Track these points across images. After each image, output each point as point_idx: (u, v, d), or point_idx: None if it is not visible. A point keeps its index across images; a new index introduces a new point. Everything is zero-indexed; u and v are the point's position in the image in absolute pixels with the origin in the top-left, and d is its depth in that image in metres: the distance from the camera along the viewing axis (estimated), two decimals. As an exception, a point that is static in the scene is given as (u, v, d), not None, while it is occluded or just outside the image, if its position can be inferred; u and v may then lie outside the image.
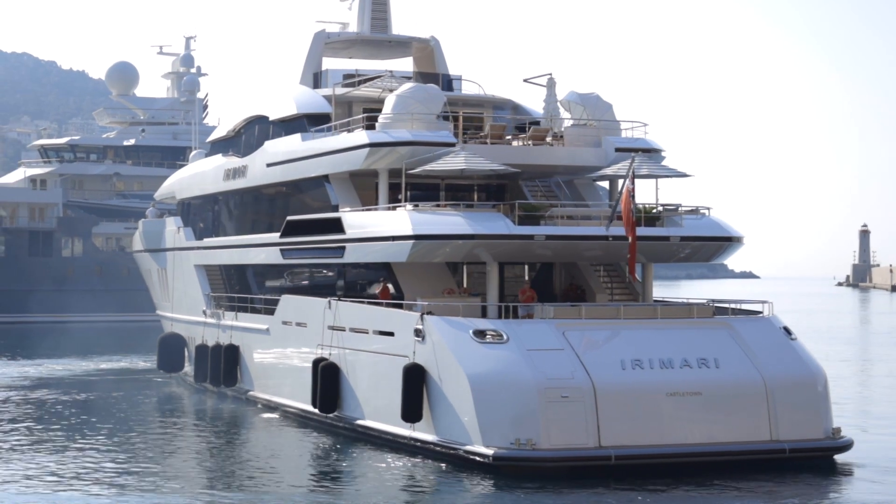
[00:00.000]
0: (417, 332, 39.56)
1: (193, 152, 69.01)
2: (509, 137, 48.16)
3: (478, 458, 36.49)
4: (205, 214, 63.00)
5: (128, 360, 76.84)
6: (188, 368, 62.42)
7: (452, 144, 43.97)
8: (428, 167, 43.10)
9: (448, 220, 41.17)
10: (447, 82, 55.24)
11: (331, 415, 45.00)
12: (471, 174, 44.50)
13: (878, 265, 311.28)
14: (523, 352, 37.24)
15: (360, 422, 43.15)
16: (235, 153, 57.95)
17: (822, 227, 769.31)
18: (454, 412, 37.77)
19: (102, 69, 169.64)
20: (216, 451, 42.82)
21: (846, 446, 38.91)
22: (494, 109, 52.67)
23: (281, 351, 50.97)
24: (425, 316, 39.58)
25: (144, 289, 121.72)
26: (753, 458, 37.57)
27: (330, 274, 49.31)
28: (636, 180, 41.71)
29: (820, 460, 38.43)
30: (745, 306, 43.70)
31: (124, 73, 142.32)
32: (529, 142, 47.24)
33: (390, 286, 44.05)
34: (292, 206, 51.71)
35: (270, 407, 51.26)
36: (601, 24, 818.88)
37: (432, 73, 55.78)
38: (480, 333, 38.02)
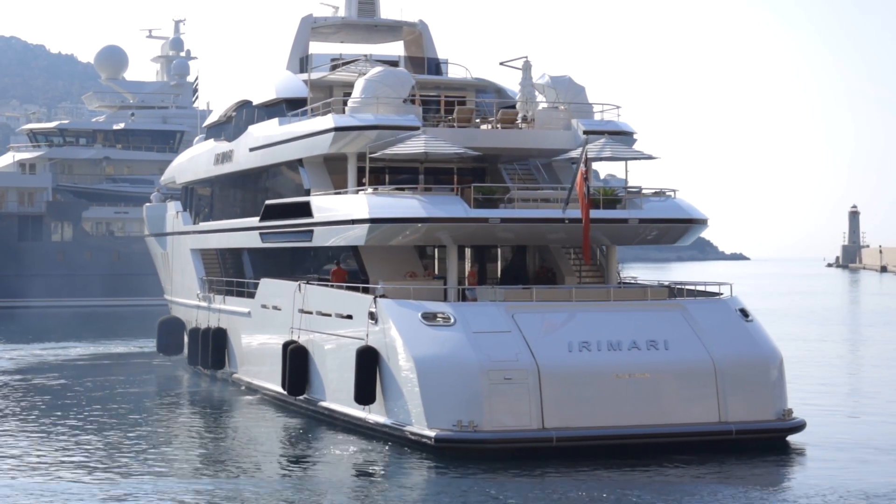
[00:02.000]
0: (371, 315, 39.85)
1: (197, 137, 69.53)
2: (478, 121, 48.31)
3: (422, 440, 36.81)
4: (199, 198, 63.61)
5: (122, 344, 77.33)
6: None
7: (417, 128, 44.07)
8: (389, 151, 43.29)
9: (403, 204, 41.33)
10: (435, 66, 55.31)
11: (300, 398, 45.39)
12: (435, 157, 44.62)
13: (867, 246, 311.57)
14: (469, 334, 37.34)
15: (323, 404, 43.50)
16: (226, 137, 58.43)
17: (813, 208, 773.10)
18: (402, 394, 38.04)
19: (91, 53, 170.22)
20: (184, 434, 42.97)
21: (797, 427, 38.82)
22: (477, 93, 52.68)
23: (259, 334, 51.44)
24: (378, 299, 39.85)
25: (134, 273, 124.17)
26: (700, 439, 37.54)
27: (305, 258, 49.71)
28: (604, 162, 41.73)
29: (771, 442, 38.41)
30: (709, 288, 43.66)
31: (113, 57, 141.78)
32: (498, 125, 47.34)
33: (343, 268, 44.54)
34: (271, 190, 52.18)
35: (252, 390, 51.76)
36: (590, 9, 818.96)
37: (419, 58, 55.92)
38: (428, 316, 38.18)
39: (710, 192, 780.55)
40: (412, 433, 37.25)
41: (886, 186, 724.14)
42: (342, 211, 43.17)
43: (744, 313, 40.71)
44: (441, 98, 49.09)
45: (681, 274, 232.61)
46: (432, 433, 36.30)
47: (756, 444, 38.00)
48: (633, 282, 47.84)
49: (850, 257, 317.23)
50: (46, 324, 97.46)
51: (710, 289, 43.17)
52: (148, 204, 73.12)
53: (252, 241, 52.52)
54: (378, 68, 47.17)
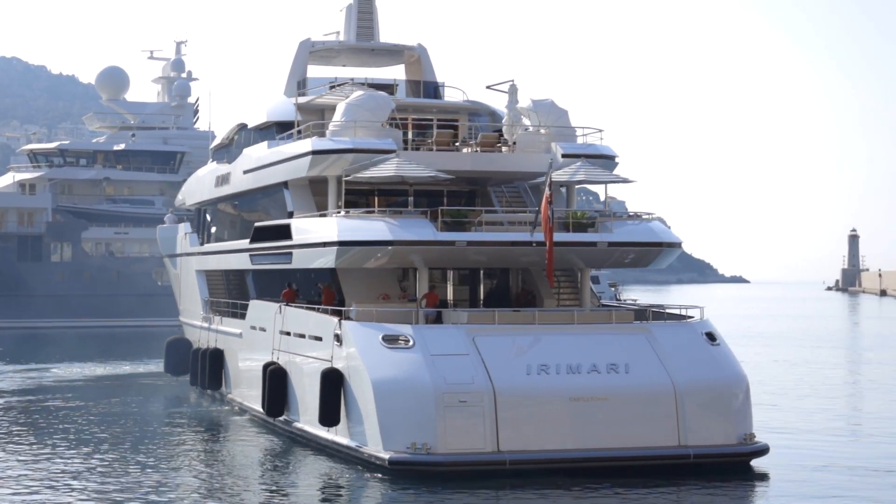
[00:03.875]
0: (336, 337, 40.19)
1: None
2: (458, 144, 48.60)
3: (377, 462, 37.08)
4: (205, 220, 64.29)
5: (127, 364, 77.33)
6: None
7: (392, 151, 44.39)
8: (363, 174, 43.62)
9: (372, 227, 41.61)
10: (433, 89, 55.65)
11: (279, 419, 45.74)
12: (414, 181, 44.84)
13: (867, 270, 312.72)
14: (427, 357, 37.58)
15: (297, 425, 43.83)
16: (227, 160, 59.05)
17: (814, 232, 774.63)
18: (362, 416, 38.33)
19: (92, 74, 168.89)
20: (160, 455, 43.07)
21: (759, 452, 38.79)
22: (471, 116, 52.99)
23: (249, 355, 51.89)
24: (342, 321, 40.18)
25: (134, 294, 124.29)
26: (657, 463, 37.61)
27: (295, 280, 50.14)
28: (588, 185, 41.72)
29: (733, 465, 38.39)
30: (686, 311, 43.71)
31: (114, 78, 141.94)
32: (478, 148, 47.60)
33: (293, 289, 45.30)
34: (262, 212, 52.69)
35: (243, 410, 52.20)
36: (591, 33, 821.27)
37: (416, 81, 56.34)
38: (388, 339, 38.45)
39: (712, 215, 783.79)
40: (369, 455, 37.55)
41: (887, 211, 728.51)
42: (315, 234, 43.56)
43: (710, 337, 40.72)
44: (434, 121, 49.42)
45: (678, 297, 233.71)
46: (387, 455, 36.58)
47: (717, 468, 37.98)
48: (620, 304, 47.99)
49: (850, 281, 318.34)
50: (45, 345, 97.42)
51: (692, 311, 43.24)
52: (161, 225, 73.92)
53: (243, 262, 53.05)
54: (359, 93, 47.53)
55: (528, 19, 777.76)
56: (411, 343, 38.10)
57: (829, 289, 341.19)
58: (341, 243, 41.31)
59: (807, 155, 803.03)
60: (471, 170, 46.67)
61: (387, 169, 43.26)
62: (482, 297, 47.72)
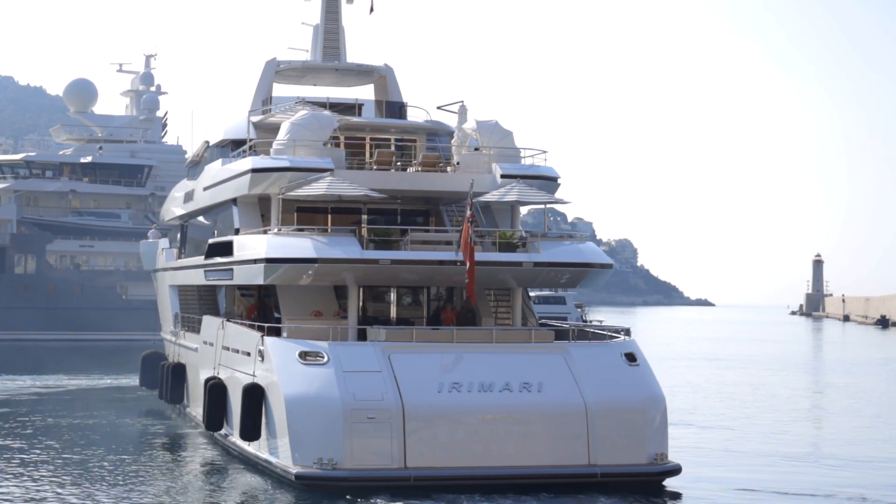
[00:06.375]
0: (260, 353, 40.86)
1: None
2: (399, 163, 49.20)
3: (286, 477, 37.74)
4: (180, 235, 65.14)
5: (104, 378, 77.70)
6: None
7: (328, 170, 45.01)
8: (297, 192, 44.28)
9: (299, 244, 42.14)
10: (398, 109, 56.24)
11: (219, 433, 46.41)
12: (348, 199, 45.44)
13: (830, 295, 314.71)
14: (339, 373, 38.16)
15: (231, 439, 44.50)
16: (195, 176, 59.87)
17: (779, 257, 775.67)
18: (276, 431, 38.99)
19: (60, 85, 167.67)
20: (99, 468, 43.35)
21: (670, 472, 39.19)
22: (430, 136, 53.54)
23: (201, 369, 52.59)
24: (264, 337, 40.84)
25: (98, 307, 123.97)
26: (564, 481, 37.98)
27: (241, 294, 50.91)
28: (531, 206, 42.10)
29: (644, 485, 38.76)
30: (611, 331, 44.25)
31: (83, 90, 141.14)
32: (419, 168, 48.22)
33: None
34: (218, 229, 53.40)
35: (197, 424, 52.90)
36: (557, 57, 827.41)
37: (380, 101, 56.96)
38: (304, 355, 39.06)
39: (678, 238, 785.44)
40: (281, 469, 38.20)
41: (850, 236, 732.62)
42: (250, 251, 44.24)
43: (630, 357, 41.08)
44: (367, 140, 50.05)
45: (642, 318, 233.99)
46: (294, 470, 37.19)
47: (628, 488, 38.40)
48: (560, 324, 48.27)
49: (814, 306, 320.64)
50: (7, 357, 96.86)
51: (632, 331, 43.82)
52: (144, 240, 74.75)
53: (200, 278, 53.78)
54: (303, 112, 48.21)
55: (499, 40, 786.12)
56: (325, 359, 38.67)
57: (794, 313, 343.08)
58: (268, 260, 41.98)
59: (772, 179, 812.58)
60: (409, 189, 47.30)
61: (319, 187, 43.89)
62: (425, 315, 48.32)
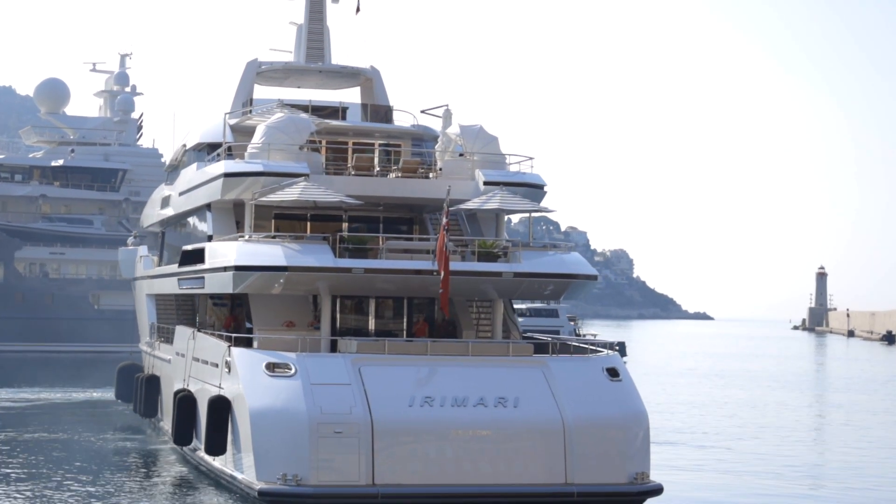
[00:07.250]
0: (226, 364, 39.22)
1: None
2: (379, 169, 47.57)
3: (250, 493, 36.14)
4: (158, 242, 63.57)
5: (80, 391, 76.33)
6: None
7: (304, 175, 43.41)
8: (269, 198, 42.69)
9: (268, 252, 40.56)
10: (384, 112, 54.67)
11: (187, 447, 44.71)
12: (323, 205, 43.87)
13: (834, 309, 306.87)
14: (306, 385, 36.52)
15: (199, 454, 42.84)
16: (173, 181, 58.32)
17: (782, 268, 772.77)
18: (241, 445, 37.37)
19: (31, 85, 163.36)
20: (70, 484, 42.13)
21: (650, 492, 37.63)
22: (415, 141, 51.99)
23: (174, 381, 50.92)
24: (231, 348, 39.21)
25: (68, 317, 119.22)
26: (539, 500, 36.51)
27: (213, 303, 49.31)
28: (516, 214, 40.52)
29: None
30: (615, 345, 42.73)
31: (54, 90, 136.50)
32: (399, 174, 46.61)
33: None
34: (192, 235, 51.82)
35: (169, 439, 51.24)
36: (554, 65, 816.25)
37: (365, 104, 55.45)
38: (271, 366, 37.39)
39: (677, 250, 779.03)
40: (245, 485, 36.59)
41: (856, 248, 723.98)
42: (220, 258, 42.64)
43: (612, 372, 39.36)
44: (349, 145, 48.43)
45: (639, 332, 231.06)
46: (258, 486, 35.57)
47: None
48: (554, 339, 46.55)
49: (817, 320, 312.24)
50: None
51: (619, 345, 42.18)
52: (122, 247, 73.16)
53: (174, 286, 52.17)
54: (279, 115, 46.62)
55: (489, 41, 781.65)
56: (293, 371, 37.02)
57: (796, 328, 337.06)
58: (237, 268, 40.39)
59: (774, 187, 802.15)
60: (390, 196, 45.72)
61: (292, 193, 42.29)
62: (405, 328, 46.63)
